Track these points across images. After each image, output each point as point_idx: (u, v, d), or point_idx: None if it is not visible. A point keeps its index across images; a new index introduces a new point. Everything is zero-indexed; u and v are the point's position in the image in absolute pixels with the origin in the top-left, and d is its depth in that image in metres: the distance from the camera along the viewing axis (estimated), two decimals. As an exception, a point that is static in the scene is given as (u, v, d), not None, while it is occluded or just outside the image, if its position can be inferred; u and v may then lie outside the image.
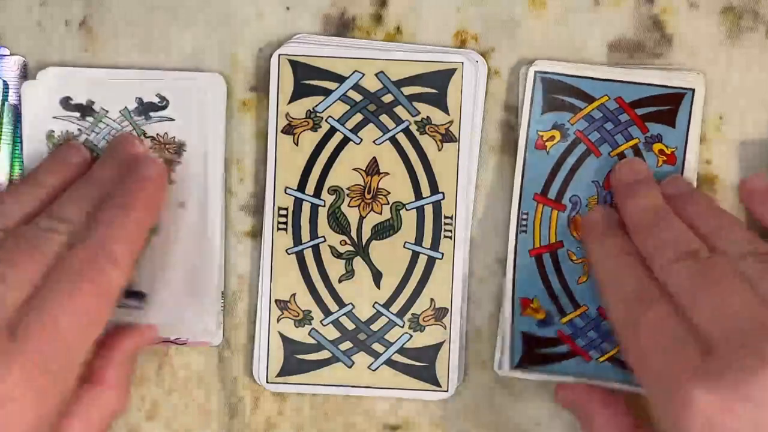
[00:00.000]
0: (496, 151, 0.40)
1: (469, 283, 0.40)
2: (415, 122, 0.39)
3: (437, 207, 0.39)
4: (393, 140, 0.39)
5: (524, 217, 0.39)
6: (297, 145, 0.39)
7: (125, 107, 0.38)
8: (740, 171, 0.40)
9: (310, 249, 0.39)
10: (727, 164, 0.40)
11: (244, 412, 0.40)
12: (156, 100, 0.38)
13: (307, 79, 0.38)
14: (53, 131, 0.38)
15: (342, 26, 0.39)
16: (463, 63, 0.38)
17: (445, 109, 0.38)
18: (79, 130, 0.38)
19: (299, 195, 0.39)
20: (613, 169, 0.38)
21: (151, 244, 0.38)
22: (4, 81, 0.39)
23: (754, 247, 0.34)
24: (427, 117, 0.39)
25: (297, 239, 0.39)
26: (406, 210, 0.39)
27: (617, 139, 0.39)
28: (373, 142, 0.39)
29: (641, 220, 0.36)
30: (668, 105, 0.38)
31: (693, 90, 0.38)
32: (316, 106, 0.39)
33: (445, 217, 0.39)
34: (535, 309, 0.39)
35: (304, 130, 0.39)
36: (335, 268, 0.39)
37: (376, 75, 0.38)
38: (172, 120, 0.38)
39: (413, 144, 0.39)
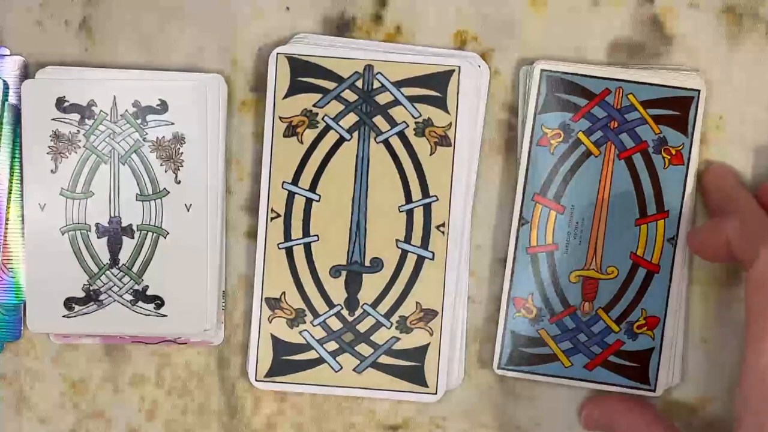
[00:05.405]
0: (496, 151, 0.40)
1: (469, 283, 0.40)
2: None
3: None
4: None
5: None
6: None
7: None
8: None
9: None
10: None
11: (244, 412, 0.40)
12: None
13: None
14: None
15: (342, 26, 0.39)
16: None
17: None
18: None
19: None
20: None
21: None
22: (4, 81, 0.39)
23: None
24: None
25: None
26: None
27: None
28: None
29: None
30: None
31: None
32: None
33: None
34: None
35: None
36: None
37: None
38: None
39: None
